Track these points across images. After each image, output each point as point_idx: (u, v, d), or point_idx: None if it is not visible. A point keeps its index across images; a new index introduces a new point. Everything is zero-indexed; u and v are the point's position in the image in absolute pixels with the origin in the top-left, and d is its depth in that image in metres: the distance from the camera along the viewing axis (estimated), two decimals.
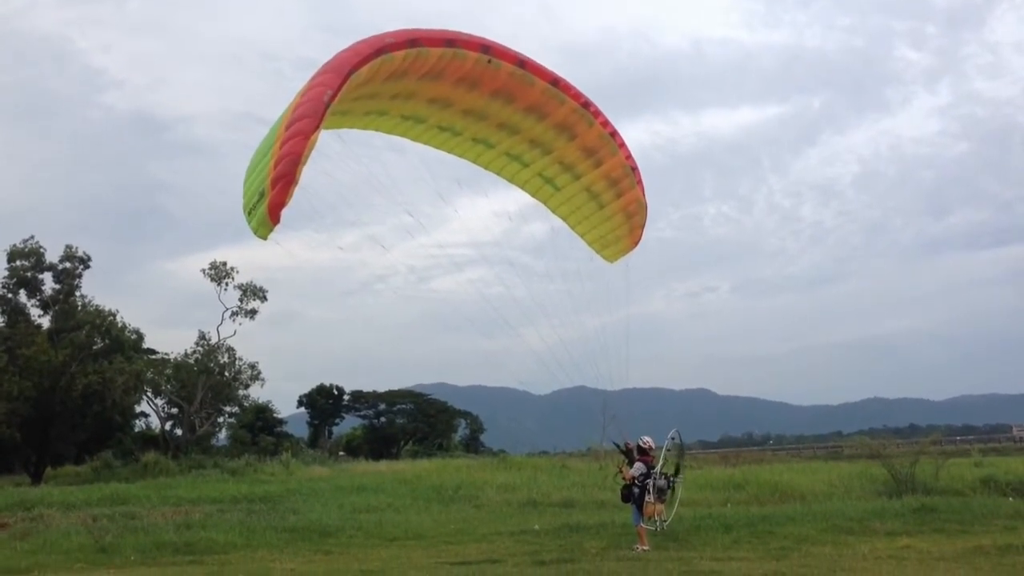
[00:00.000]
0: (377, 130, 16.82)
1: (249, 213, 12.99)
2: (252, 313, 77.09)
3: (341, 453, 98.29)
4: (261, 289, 77.60)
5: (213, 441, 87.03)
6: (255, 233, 12.81)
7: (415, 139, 17.30)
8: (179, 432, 79.66)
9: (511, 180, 18.28)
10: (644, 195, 18.62)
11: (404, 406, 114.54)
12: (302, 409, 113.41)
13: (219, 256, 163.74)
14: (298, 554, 21.39)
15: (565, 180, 18.10)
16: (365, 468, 62.94)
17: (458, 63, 15.00)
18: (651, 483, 19.17)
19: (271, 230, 12.53)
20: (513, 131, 17.16)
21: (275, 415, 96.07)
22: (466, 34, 15.19)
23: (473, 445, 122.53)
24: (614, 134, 17.64)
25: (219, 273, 76.19)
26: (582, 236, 19.06)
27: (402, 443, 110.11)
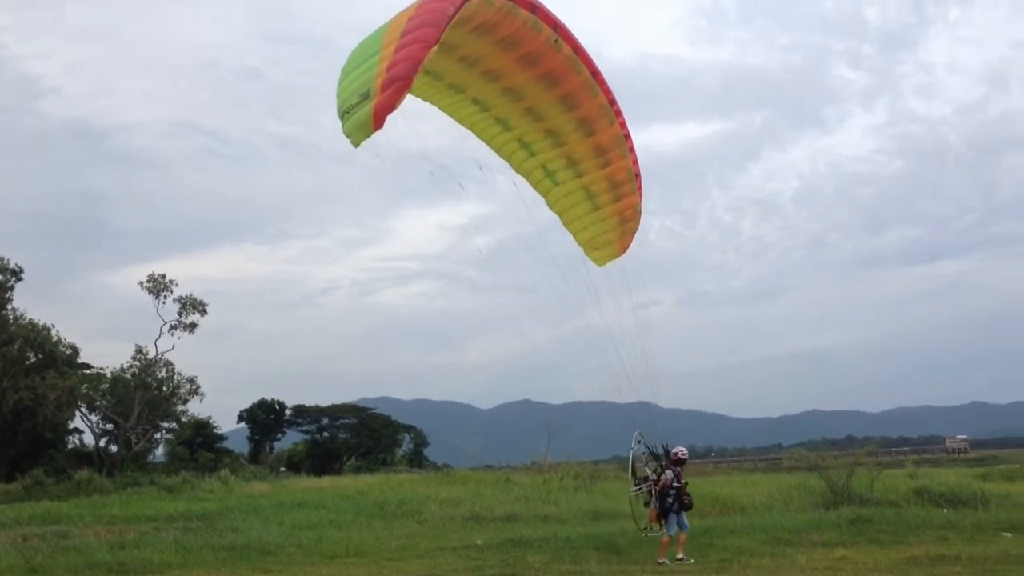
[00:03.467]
0: (418, 94, 16.31)
1: (344, 114, 12.30)
2: (192, 327, 76.10)
3: (282, 469, 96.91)
4: (201, 302, 76.71)
5: (150, 458, 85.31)
6: (348, 137, 12.10)
7: (444, 108, 17.12)
8: (114, 448, 77.93)
9: (517, 168, 18.18)
10: (641, 202, 18.67)
11: (347, 420, 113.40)
12: (243, 424, 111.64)
13: (158, 268, 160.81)
14: (236, 573, 20.98)
15: (566, 176, 18.05)
16: (307, 484, 62.06)
17: (534, 35, 14.99)
18: (656, 491, 19.39)
19: (368, 135, 11.87)
20: (537, 118, 17.12)
21: (215, 430, 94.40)
22: (542, 3, 15.19)
23: (417, 459, 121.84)
24: (628, 137, 17.67)
25: (157, 286, 75.16)
26: (574, 235, 18.99)
27: (345, 458, 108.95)
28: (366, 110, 11.79)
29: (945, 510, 30.12)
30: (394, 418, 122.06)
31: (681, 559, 19.38)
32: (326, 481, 65.46)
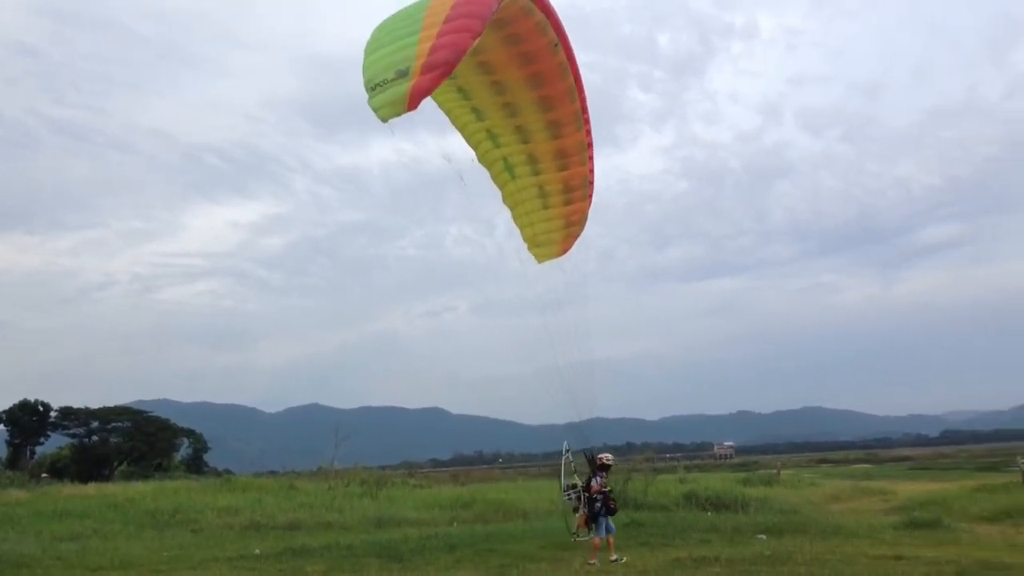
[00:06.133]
0: None
1: (375, 88, 11.83)
2: None
3: (44, 475, 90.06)
4: None
5: None
6: (377, 112, 11.64)
7: None
8: None
9: (480, 158, 18.11)
10: (589, 209, 18.94)
11: (120, 424, 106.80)
12: (0, 427, 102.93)
13: None
14: None
15: (524, 172, 18.17)
16: (71, 492, 57.69)
17: (539, 36, 15.06)
18: (585, 496, 19.68)
19: (399, 114, 11.51)
20: (512, 113, 17.11)
21: None
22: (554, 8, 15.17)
23: (196, 465, 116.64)
24: (590, 145, 17.84)
25: None
26: (520, 230, 19.12)
27: (116, 464, 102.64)
28: (402, 88, 11.57)
29: (709, 513, 32.13)
30: (172, 421, 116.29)
31: (615, 560, 19.76)
32: (92, 488, 61.11)
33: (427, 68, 11.75)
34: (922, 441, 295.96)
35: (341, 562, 21.41)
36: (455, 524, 33.49)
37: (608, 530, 19.91)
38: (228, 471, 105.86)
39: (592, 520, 19.78)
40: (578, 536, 20.19)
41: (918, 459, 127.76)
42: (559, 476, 20.56)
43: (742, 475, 64.73)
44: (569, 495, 20.08)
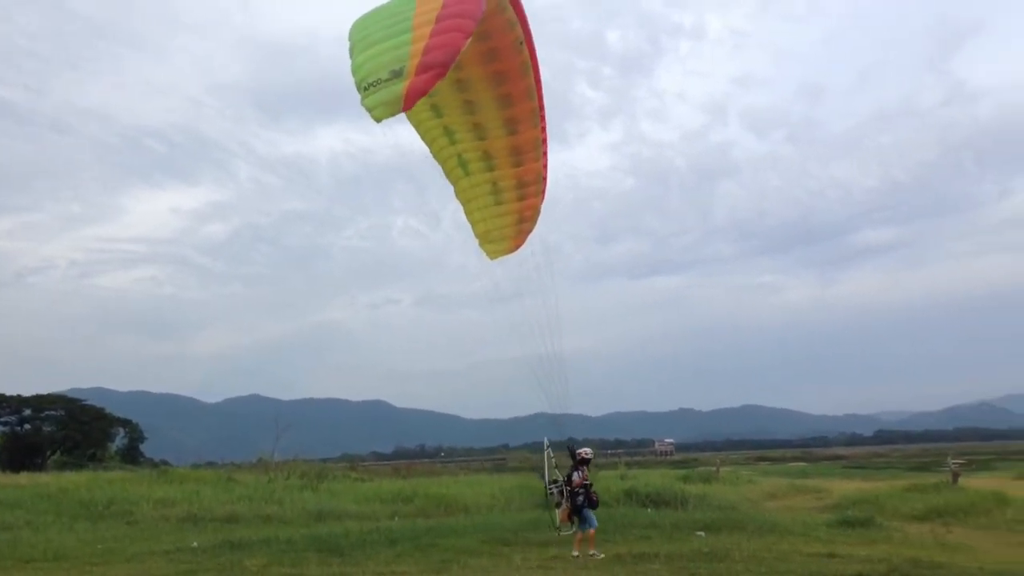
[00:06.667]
0: None
1: (368, 88, 11.64)
2: None
3: None
4: None
5: None
6: (371, 112, 11.45)
7: None
8: None
9: (436, 155, 17.85)
10: (542, 204, 18.84)
11: (53, 412, 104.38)
12: None
13: None
14: None
15: (478, 168, 17.99)
16: (2, 481, 56.27)
17: (506, 33, 14.96)
18: (567, 491, 19.74)
19: (394, 114, 11.45)
20: (472, 111, 16.92)
21: None
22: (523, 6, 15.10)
23: (131, 456, 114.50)
24: (544, 140, 17.73)
25: None
26: (472, 226, 18.94)
27: (49, 453, 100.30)
28: (397, 89, 11.46)
29: (649, 510, 32.47)
30: (108, 410, 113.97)
31: (592, 554, 19.95)
32: (24, 478, 59.80)
33: (422, 68, 11.71)
34: (857, 440, 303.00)
35: (280, 556, 21.20)
36: (396, 518, 33.39)
37: (590, 524, 20.07)
38: (165, 462, 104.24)
39: (575, 514, 19.93)
40: (562, 531, 20.30)
41: (852, 458, 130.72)
42: (542, 472, 20.60)
43: (682, 472, 65.42)
44: (552, 490, 20.18)
